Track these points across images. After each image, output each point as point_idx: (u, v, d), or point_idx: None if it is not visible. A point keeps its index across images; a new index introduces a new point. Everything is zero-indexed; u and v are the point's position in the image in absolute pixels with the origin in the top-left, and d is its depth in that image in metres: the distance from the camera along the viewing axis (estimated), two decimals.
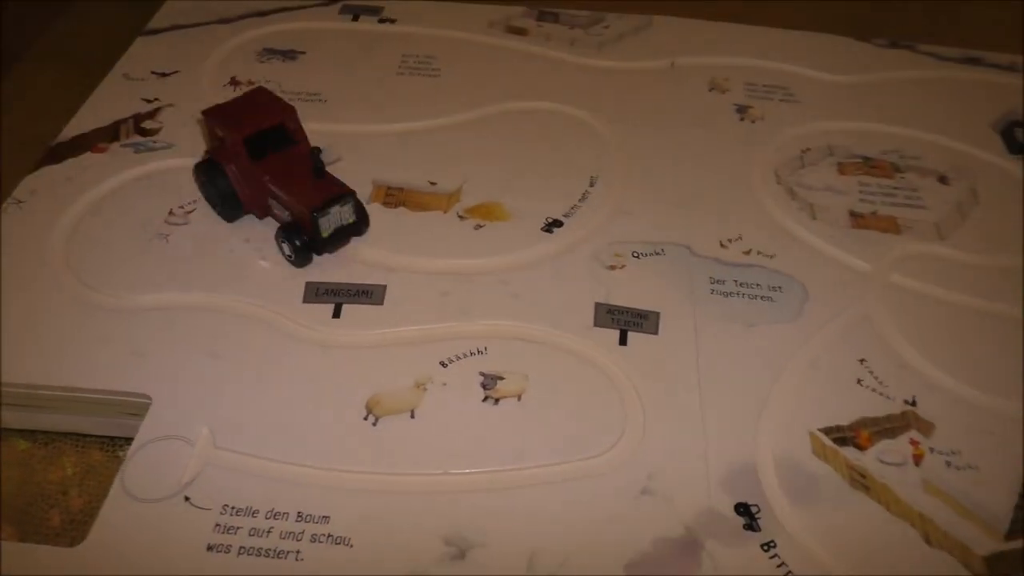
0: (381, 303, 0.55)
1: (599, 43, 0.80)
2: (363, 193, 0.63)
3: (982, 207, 0.66)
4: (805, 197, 0.65)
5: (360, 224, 0.58)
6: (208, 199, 0.60)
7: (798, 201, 0.65)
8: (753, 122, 0.72)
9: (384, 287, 0.56)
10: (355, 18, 0.82)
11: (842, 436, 0.50)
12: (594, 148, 0.68)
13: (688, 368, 0.52)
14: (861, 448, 0.49)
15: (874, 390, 0.52)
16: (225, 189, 0.58)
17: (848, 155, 0.70)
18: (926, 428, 0.50)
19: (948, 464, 0.49)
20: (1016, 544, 0.45)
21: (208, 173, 0.58)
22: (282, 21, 0.80)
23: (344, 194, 0.56)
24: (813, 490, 0.47)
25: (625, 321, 0.55)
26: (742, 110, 0.73)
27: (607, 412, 0.50)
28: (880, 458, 0.49)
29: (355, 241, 0.59)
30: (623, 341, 0.54)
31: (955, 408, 0.52)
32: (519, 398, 0.50)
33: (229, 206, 0.59)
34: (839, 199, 0.65)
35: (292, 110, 0.58)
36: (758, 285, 0.58)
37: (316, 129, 0.67)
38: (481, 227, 0.61)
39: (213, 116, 0.57)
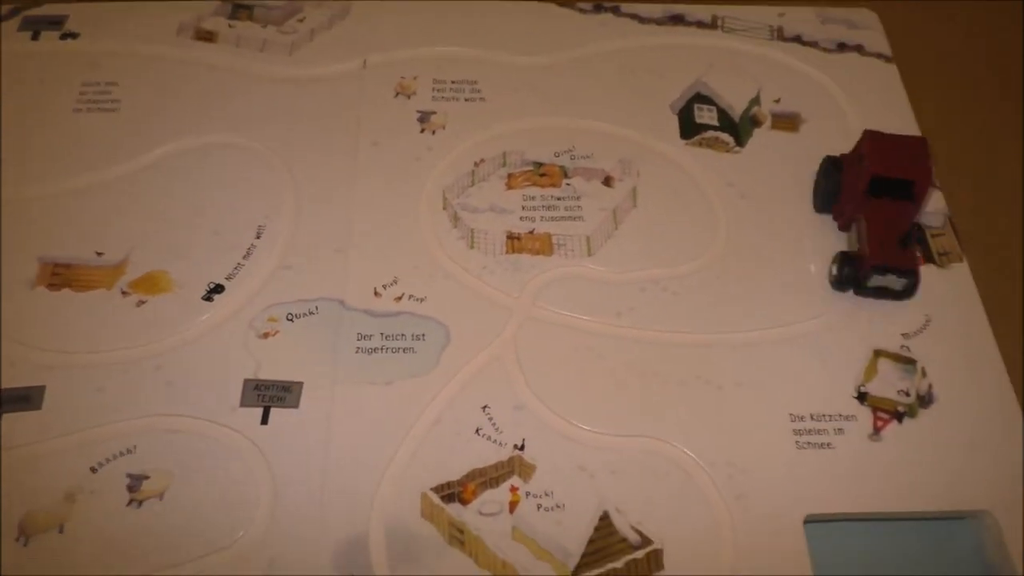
0: (40, 407, 0.59)
1: (291, 43, 0.78)
2: (28, 275, 0.64)
3: (638, 211, 0.70)
4: (467, 222, 0.68)
5: (904, 294, 0.65)
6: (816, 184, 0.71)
7: (460, 228, 0.68)
8: (434, 132, 0.73)
9: (43, 388, 0.59)
10: (35, 36, 0.78)
11: (450, 492, 0.57)
12: (265, 189, 0.69)
13: (320, 441, 0.58)
14: (465, 502, 0.57)
15: (489, 438, 0.59)
16: (831, 190, 0.69)
17: (521, 163, 0.72)
18: (527, 472, 0.58)
19: (539, 507, 0.56)
20: None
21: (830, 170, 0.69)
22: None
23: (906, 270, 0.64)
24: (413, 553, 0.54)
25: (269, 397, 0.60)
26: (425, 118, 0.74)
27: (241, 500, 0.56)
28: (480, 510, 0.56)
29: (15, 337, 0.61)
30: (265, 420, 0.59)
31: (558, 446, 0.59)
32: (161, 497, 0.56)
33: (825, 203, 0.70)
34: (499, 220, 0.68)
35: (928, 174, 0.64)
36: (403, 336, 0.63)
37: None
38: (144, 303, 0.63)
39: (871, 142, 0.66)
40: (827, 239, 0.68)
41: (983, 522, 0.59)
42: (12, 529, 0.54)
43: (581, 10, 0.82)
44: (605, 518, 0.56)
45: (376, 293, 0.64)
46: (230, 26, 0.79)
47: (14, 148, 0.71)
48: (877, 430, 0.61)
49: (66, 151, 0.71)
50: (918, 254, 0.67)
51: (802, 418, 0.61)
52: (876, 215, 0.65)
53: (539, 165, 0.72)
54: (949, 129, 0.79)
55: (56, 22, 0.79)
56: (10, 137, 0.71)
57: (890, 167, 0.64)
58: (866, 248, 0.64)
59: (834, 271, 0.66)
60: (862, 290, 0.65)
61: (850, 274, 0.65)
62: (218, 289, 0.64)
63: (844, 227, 0.69)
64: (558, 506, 0.56)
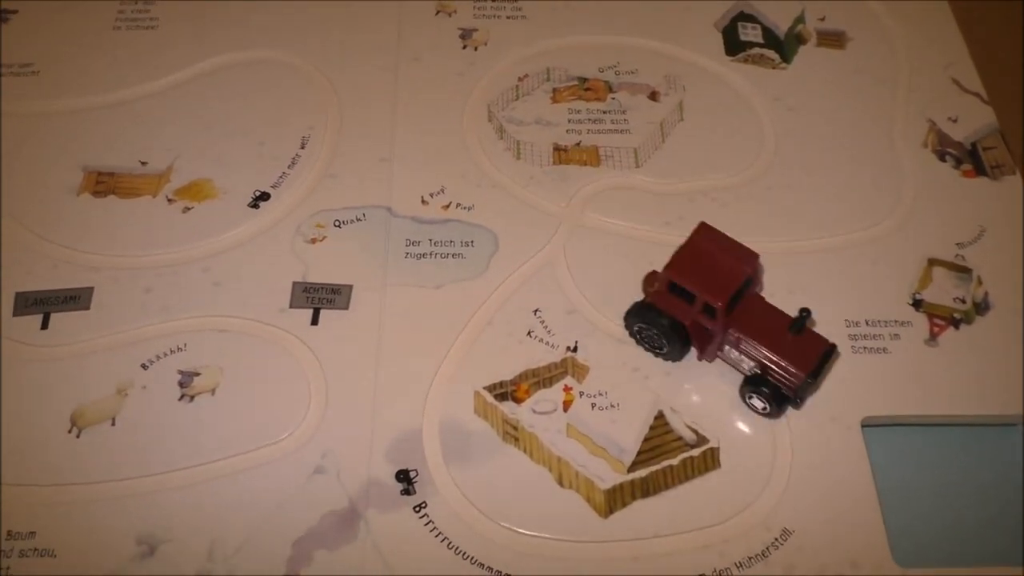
0: (88, 307, 0.58)
1: None
2: (72, 183, 0.64)
3: (685, 124, 0.69)
4: (513, 134, 0.67)
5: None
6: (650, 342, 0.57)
7: (505, 140, 0.67)
8: (476, 49, 0.72)
9: (91, 289, 0.59)
10: None
11: (503, 391, 0.56)
12: (309, 102, 0.69)
13: (371, 341, 0.57)
14: (518, 401, 0.56)
15: (541, 340, 0.58)
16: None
17: (565, 78, 0.71)
18: (581, 373, 0.57)
19: (593, 406, 0.56)
20: (635, 475, 0.53)
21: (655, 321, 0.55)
22: None
23: (830, 349, 0.53)
24: (467, 448, 0.54)
25: (319, 299, 0.59)
26: (466, 35, 0.73)
27: (293, 396, 0.55)
28: (533, 408, 0.56)
29: (61, 241, 0.61)
30: (315, 320, 0.58)
31: (611, 348, 0.58)
32: (213, 392, 0.55)
33: (678, 349, 0.56)
34: (545, 132, 0.68)
35: (755, 257, 0.54)
36: (451, 242, 0.62)
37: (28, 110, 0.68)
38: (189, 209, 0.63)
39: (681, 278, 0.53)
40: (875, 149, 0.68)
41: None
42: (65, 422, 0.54)
43: None
44: (660, 417, 0.56)
45: (423, 201, 0.64)
46: None
47: (54, 62, 0.70)
48: (933, 335, 0.60)
49: (107, 66, 0.70)
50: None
51: (857, 323, 0.60)
52: (744, 324, 0.53)
53: (584, 80, 0.71)
54: (998, 36, 0.78)
55: None
56: (49, 52, 0.71)
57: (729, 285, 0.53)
58: (788, 369, 0.52)
59: (758, 404, 0.55)
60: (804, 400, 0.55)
61: (778, 397, 0.54)
62: (264, 197, 0.64)
63: (712, 358, 0.57)
64: (612, 405, 0.56)
